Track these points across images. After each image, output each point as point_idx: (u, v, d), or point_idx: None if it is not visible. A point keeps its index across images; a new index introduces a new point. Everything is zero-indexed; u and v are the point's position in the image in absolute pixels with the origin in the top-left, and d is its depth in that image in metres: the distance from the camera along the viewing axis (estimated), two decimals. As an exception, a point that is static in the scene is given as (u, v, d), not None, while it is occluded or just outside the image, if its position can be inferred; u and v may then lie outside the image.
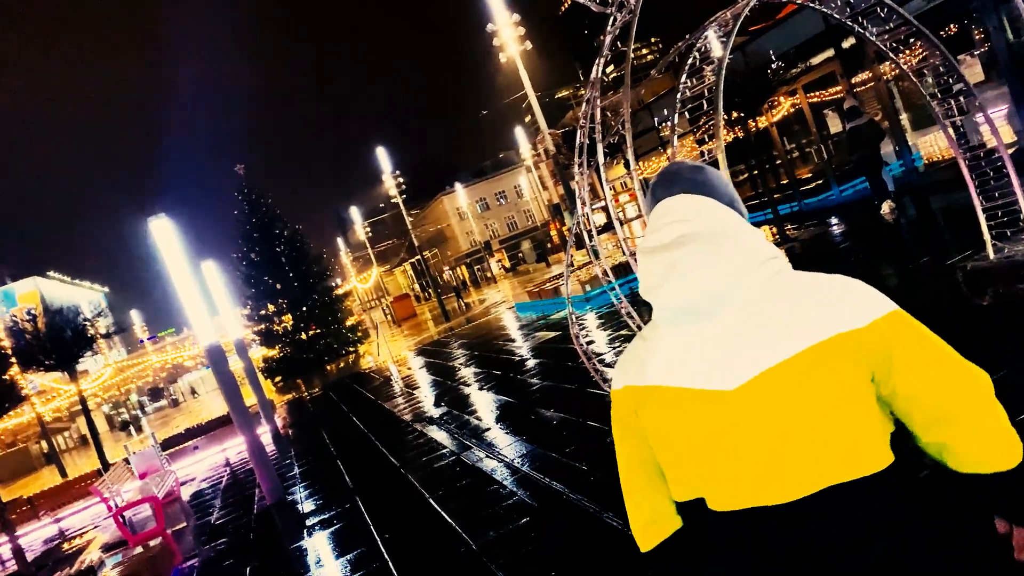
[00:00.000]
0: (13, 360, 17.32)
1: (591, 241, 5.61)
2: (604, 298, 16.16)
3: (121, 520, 11.57)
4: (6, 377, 18.89)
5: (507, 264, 75.82)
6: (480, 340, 18.65)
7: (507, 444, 7.68)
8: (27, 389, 37.77)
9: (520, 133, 59.01)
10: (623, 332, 11.53)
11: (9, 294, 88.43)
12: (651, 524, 1.56)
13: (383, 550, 5.96)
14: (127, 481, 12.39)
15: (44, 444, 40.66)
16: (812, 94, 17.26)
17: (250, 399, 14.47)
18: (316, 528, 7.40)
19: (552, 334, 14.34)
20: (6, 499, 30.89)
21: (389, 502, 7.39)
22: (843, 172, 16.39)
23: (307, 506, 8.55)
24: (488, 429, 8.70)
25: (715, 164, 3.91)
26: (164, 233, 8.45)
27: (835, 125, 18.06)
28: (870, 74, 14.93)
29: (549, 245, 67.95)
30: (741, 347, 1.33)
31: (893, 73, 14.23)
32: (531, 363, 12.22)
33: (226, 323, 14.72)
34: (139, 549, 8.30)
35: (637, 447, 1.53)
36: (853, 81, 15.63)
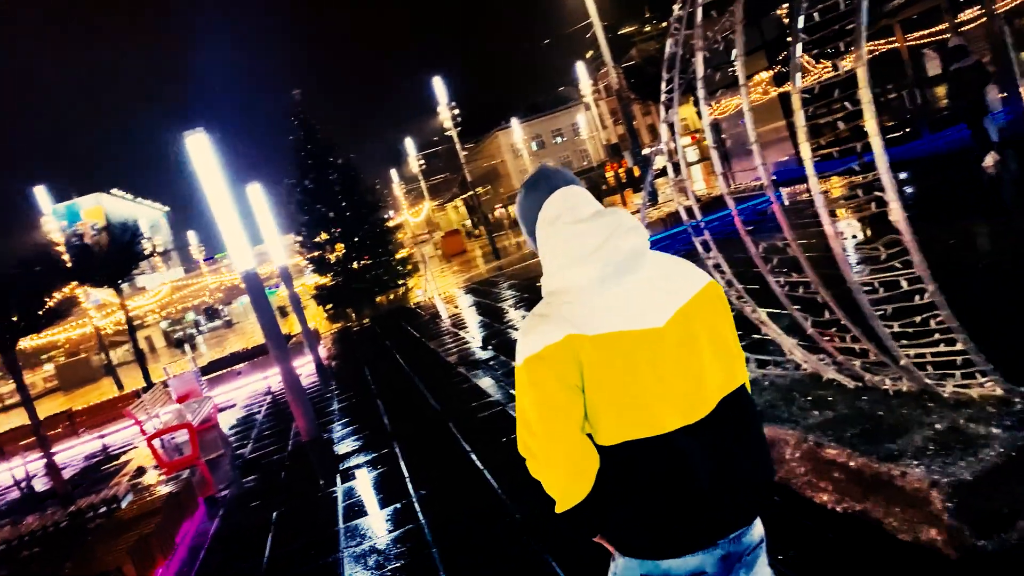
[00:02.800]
0: (74, 272, 17.35)
1: (677, 175, 4.77)
2: (664, 245, 15.27)
3: (159, 444, 11.42)
4: (66, 289, 19.14)
5: (561, 204, 74.40)
6: (531, 281, 17.97)
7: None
8: (86, 302, 38.82)
9: (581, 68, 56.76)
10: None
11: (73, 209, 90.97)
12: (581, 473, 1.59)
13: (418, 510, 5.43)
14: (165, 404, 12.23)
15: (103, 356, 41.84)
16: (911, 34, 15.70)
17: (294, 328, 14.16)
18: (350, 474, 6.94)
19: (608, 280, 13.56)
20: (61, 408, 31.87)
21: (428, 452, 6.86)
22: (938, 119, 14.95)
23: (343, 447, 8.11)
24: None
25: (852, 81, 3.06)
26: (200, 149, 7.86)
27: (933, 67, 16.47)
28: (980, 9, 13.37)
29: (604, 187, 66.36)
30: (659, 292, 1.63)
31: (1007, 6, 12.68)
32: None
33: (271, 249, 14.29)
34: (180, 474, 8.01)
35: (572, 399, 1.58)
36: (960, 18, 14.08)
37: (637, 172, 51.10)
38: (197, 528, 6.74)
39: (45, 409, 35.02)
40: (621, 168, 57.64)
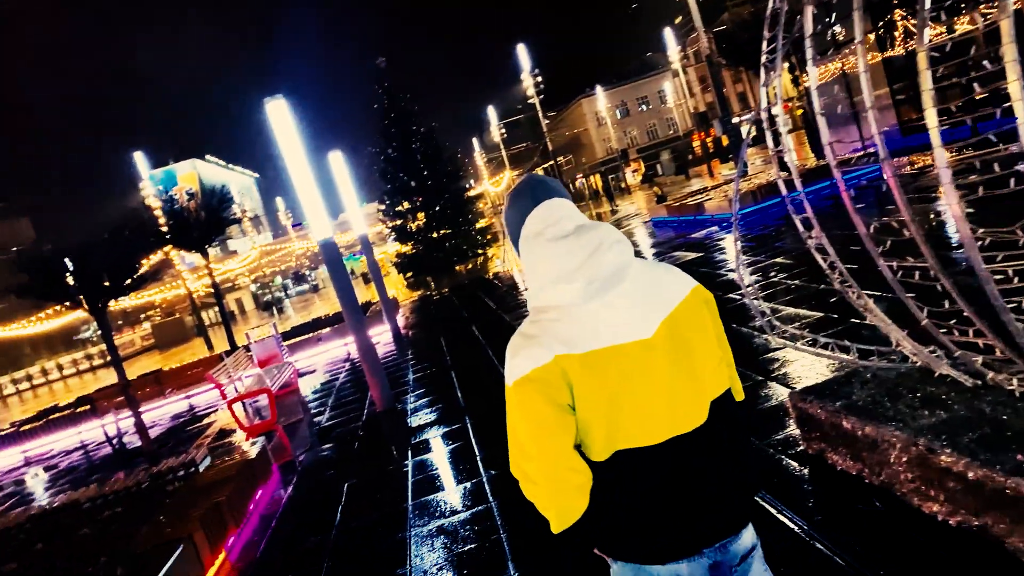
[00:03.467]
0: (168, 236, 18.00)
1: (777, 144, 4.35)
2: (754, 219, 14.59)
3: (241, 406, 11.71)
4: (159, 253, 19.96)
5: (641, 175, 73.11)
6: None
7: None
8: (180, 265, 40.45)
9: (669, 34, 54.93)
10: (777, 260, 10.12)
11: (171, 174, 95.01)
12: (576, 491, 1.60)
13: (488, 491, 5.27)
14: (247, 368, 12.51)
15: (195, 317, 43.73)
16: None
17: (364, 296, 14.21)
18: (421, 448, 6.86)
19: (691, 255, 13.06)
20: (156, 365, 33.37)
21: (499, 430, 6.67)
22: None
23: (416, 419, 8.06)
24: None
25: (989, 38, 2.61)
26: (280, 116, 7.82)
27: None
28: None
29: (690, 157, 64.59)
30: (645, 303, 1.64)
31: None
32: (666, 285, 11.10)
33: (352, 217, 14.36)
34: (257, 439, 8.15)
35: (564, 420, 1.59)
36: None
37: (726, 141, 49.46)
38: (271, 495, 6.80)
39: (141, 366, 36.91)
40: (709, 137, 55.98)
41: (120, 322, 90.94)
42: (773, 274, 9.24)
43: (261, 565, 5.30)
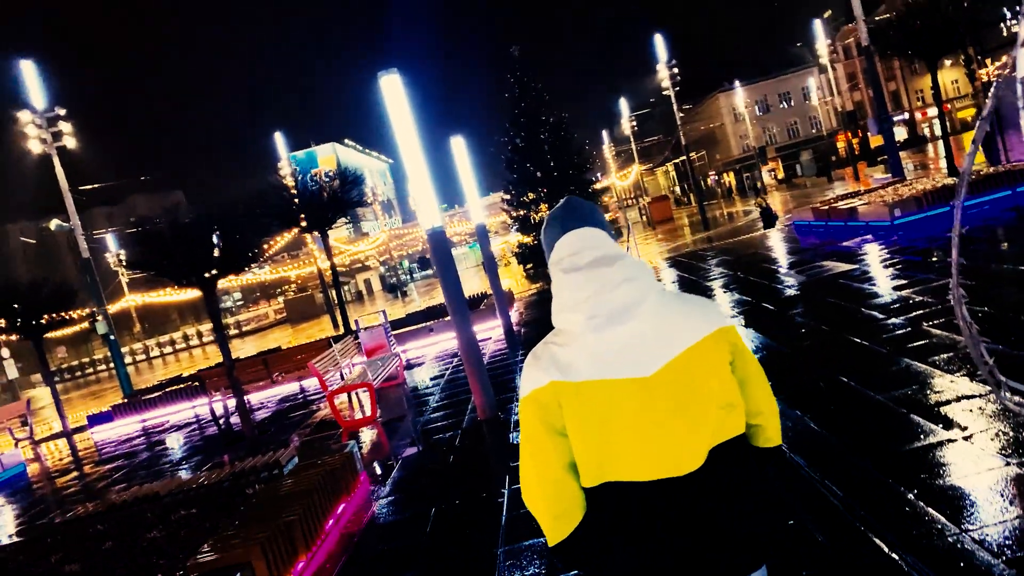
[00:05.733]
0: (299, 215, 18.13)
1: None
2: (918, 228, 12.83)
3: (347, 396, 11.35)
4: (288, 232, 20.40)
5: (780, 175, 69.28)
6: (745, 259, 16.11)
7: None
8: (313, 244, 41.64)
9: (818, 26, 51.31)
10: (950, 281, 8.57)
11: (312, 155, 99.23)
12: (563, 515, 1.69)
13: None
14: (353, 356, 12.16)
15: (322, 295, 45.05)
16: None
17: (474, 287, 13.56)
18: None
19: (842, 266, 11.54)
20: (285, 337, 34.37)
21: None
22: None
23: (518, 435, 7.24)
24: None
25: None
26: (394, 91, 7.20)
27: None
28: None
29: (833, 158, 60.51)
30: (651, 344, 1.65)
31: None
32: (808, 298, 9.74)
33: (471, 206, 13.77)
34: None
35: (555, 442, 1.68)
36: None
37: (876, 142, 45.74)
38: (356, 508, 6.19)
39: (274, 339, 38.32)
40: (856, 138, 52.10)
41: (257, 294, 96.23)
42: (949, 298, 7.76)
43: (329, 598, 4.66)
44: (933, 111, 68.75)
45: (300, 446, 8.99)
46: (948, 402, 5.03)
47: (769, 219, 23.76)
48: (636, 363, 1.63)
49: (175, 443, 12.20)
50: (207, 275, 9.27)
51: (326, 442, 9.11)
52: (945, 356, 5.98)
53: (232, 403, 10.99)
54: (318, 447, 8.75)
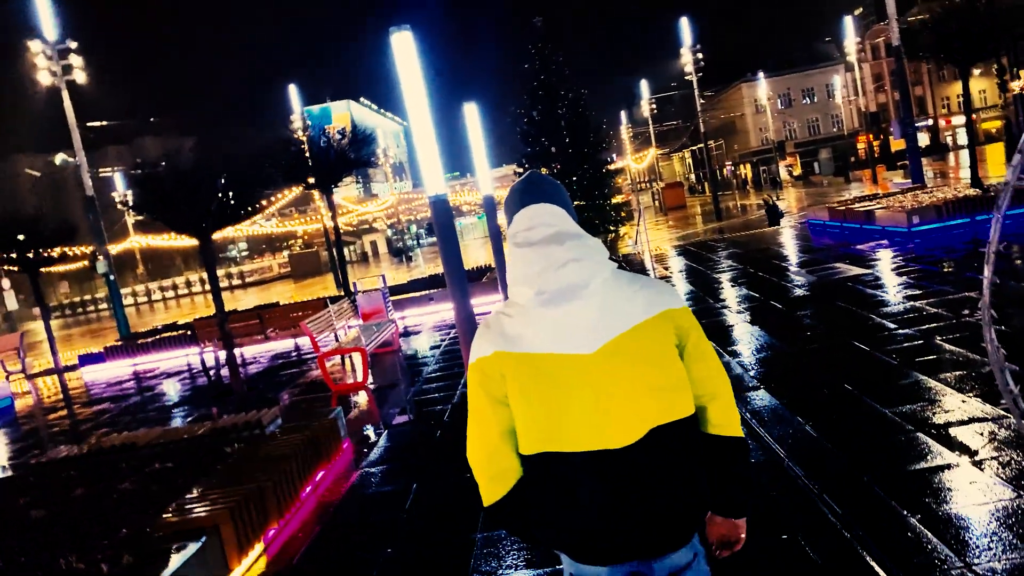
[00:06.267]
0: (308, 169, 17.74)
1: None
2: (934, 238, 12.54)
3: (340, 359, 11.18)
4: (302, 186, 20.04)
5: (797, 171, 68.58)
6: (755, 254, 15.84)
7: (774, 419, 5.43)
8: (319, 201, 41.30)
9: (848, 23, 50.29)
10: (970, 294, 8.35)
11: (326, 111, 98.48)
12: (498, 476, 1.79)
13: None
14: (349, 318, 11.98)
15: (327, 253, 44.82)
16: None
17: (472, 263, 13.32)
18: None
19: (855, 269, 11.28)
20: (287, 291, 34.22)
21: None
22: None
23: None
24: (751, 388, 6.46)
25: None
26: (405, 49, 6.90)
27: None
28: None
29: (852, 159, 59.80)
30: (595, 322, 1.69)
31: None
32: (818, 300, 9.50)
33: (480, 176, 13.46)
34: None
35: (495, 410, 1.76)
36: None
37: (898, 146, 45.08)
38: (336, 475, 6.03)
39: (276, 292, 38.20)
40: (877, 140, 51.41)
41: (263, 246, 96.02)
42: (967, 313, 7.53)
43: (299, 568, 4.50)
44: (957, 119, 67.85)
45: (286, 407, 8.84)
46: (959, 423, 4.81)
47: (774, 216, 23.47)
48: (579, 340, 1.67)
49: (163, 391, 12.08)
50: (204, 225, 9.04)
51: (314, 404, 8.96)
52: (957, 374, 5.76)
53: (223, 355, 10.83)
54: (304, 409, 8.58)
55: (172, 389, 12.24)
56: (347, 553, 4.61)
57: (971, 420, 4.82)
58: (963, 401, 5.16)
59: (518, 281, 1.75)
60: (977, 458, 4.26)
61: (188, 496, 4.70)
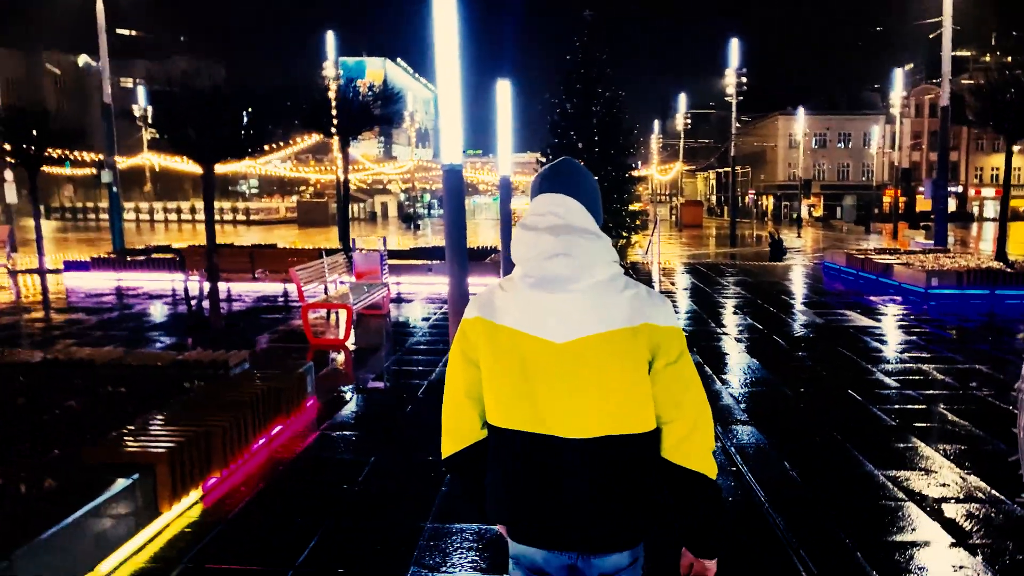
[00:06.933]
0: (335, 123, 17.31)
1: None
2: (949, 305, 12.21)
3: (326, 314, 10.86)
4: (320, 134, 19.69)
5: (819, 212, 68.12)
6: (765, 287, 15.52)
7: (759, 458, 5.13)
8: (336, 152, 40.82)
9: (898, 76, 49.67)
10: (980, 367, 8.04)
11: (361, 64, 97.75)
12: (454, 431, 1.87)
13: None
14: (342, 274, 11.66)
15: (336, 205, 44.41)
16: None
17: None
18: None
19: (865, 320, 10.95)
20: (291, 235, 33.85)
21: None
22: None
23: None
24: (740, 421, 6.16)
25: None
26: (446, 11, 6.55)
27: None
28: None
29: (876, 210, 59.31)
30: (576, 316, 1.70)
31: None
32: (822, 344, 9.19)
33: (500, 156, 13.12)
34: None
35: (466, 371, 1.83)
36: None
37: (923, 206, 44.62)
38: (294, 432, 5.74)
39: (279, 235, 37.88)
40: (904, 197, 50.94)
41: (275, 188, 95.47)
42: (975, 385, 7.22)
43: (233, 522, 4.21)
44: (987, 191, 67.50)
45: (259, 353, 8.54)
46: (954, 500, 4.51)
47: (777, 251, 23.18)
48: (552, 328, 1.70)
49: (141, 311, 11.78)
50: (208, 152, 8.71)
51: (288, 355, 8.66)
52: (959, 447, 5.45)
53: (207, 287, 10.52)
54: (277, 358, 8.29)
55: (150, 311, 11.94)
56: (286, 516, 4.31)
57: (968, 499, 4.52)
58: (961, 478, 4.86)
59: (518, 260, 1.78)
60: (970, 542, 3.97)
61: (131, 428, 4.40)
